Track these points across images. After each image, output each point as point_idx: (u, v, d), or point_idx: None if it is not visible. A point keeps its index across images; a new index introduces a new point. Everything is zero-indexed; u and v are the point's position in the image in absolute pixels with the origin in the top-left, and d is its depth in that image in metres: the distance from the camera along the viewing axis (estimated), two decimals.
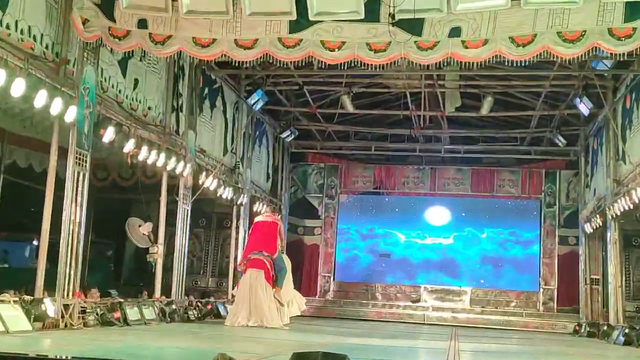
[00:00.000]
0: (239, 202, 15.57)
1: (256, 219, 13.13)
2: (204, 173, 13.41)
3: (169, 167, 11.77)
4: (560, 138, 17.76)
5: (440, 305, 18.82)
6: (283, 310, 12.46)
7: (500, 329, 17.27)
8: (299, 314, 13.24)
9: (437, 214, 20.56)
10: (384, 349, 9.23)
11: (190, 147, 12.63)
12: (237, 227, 15.91)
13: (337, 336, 11.13)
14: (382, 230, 20.71)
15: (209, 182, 13.57)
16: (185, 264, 12.73)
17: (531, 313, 18.62)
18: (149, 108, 11.42)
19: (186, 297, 13.07)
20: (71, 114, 8.90)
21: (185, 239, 12.71)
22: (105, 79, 10.03)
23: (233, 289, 14.89)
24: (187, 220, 12.72)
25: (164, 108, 11.91)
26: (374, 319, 18.09)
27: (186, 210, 12.65)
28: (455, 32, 8.45)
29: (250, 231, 13.36)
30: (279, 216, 15.41)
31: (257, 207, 16.63)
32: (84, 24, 9.00)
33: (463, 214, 20.46)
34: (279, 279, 12.46)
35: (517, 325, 17.71)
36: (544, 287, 19.49)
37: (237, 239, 15.85)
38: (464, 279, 19.89)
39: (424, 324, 17.92)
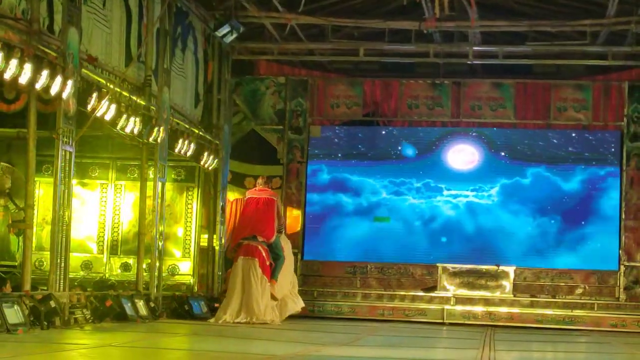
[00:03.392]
0: (151, 139, 15.45)
1: (248, 194, 16.46)
2: (95, 94, 13.25)
3: (39, 85, 11.61)
4: None
5: (468, 295, 19.03)
6: (276, 305, 15.58)
7: (560, 329, 17.54)
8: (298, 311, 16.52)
9: (463, 155, 20.62)
10: None
11: (72, 53, 12.46)
12: (153, 179, 15.84)
13: (309, 345, 11.22)
14: (377, 181, 20.76)
15: (104, 109, 13.42)
16: (69, 238, 12.66)
17: (607, 304, 18.88)
18: None
19: (75, 290, 13.09)
20: None
21: (69, 199, 12.62)
22: None
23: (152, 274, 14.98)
24: (70, 170, 12.61)
25: None
26: (366, 318, 18.27)
27: (69, 154, 12.54)
28: None
29: (241, 209, 16.46)
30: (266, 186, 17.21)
31: (180, 146, 16.54)
32: None
33: (502, 154, 20.54)
34: (275, 270, 15.69)
35: (586, 322, 17.99)
36: (626, 264, 19.75)
37: (153, 196, 15.78)
38: (504, 254, 20.09)
39: (442, 323, 18.15)
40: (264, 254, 15.42)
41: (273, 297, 15.50)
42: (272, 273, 15.58)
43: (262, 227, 15.70)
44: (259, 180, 16.74)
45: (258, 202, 15.97)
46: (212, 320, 15.11)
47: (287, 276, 16.36)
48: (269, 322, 14.99)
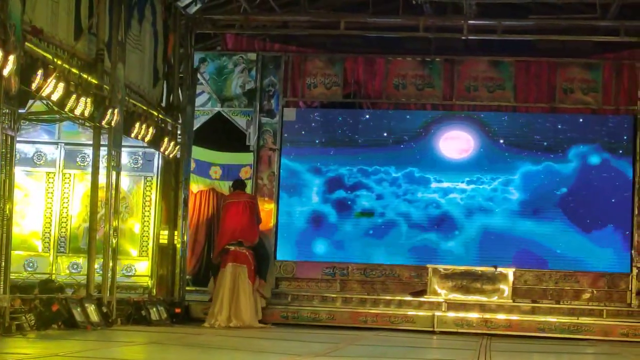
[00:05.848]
0: (104, 122, 15.41)
1: (227, 200, 18.68)
2: (40, 71, 13.22)
3: None
4: None
5: (461, 300, 19.08)
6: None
7: (565, 338, 17.58)
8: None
9: (456, 142, 20.67)
10: None
11: (14, 23, 12.41)
12: (106, 167, 15.81)
13: (281, 355, 11.23)
14: (360, 171, 20.77)
15: (50, 88, 13.40)
16: (10, 234, 12.61)
17: (617, 310, 18.93)
18: None
19: (16, 294, 13.05)
20: None
21: (11, 190, 12.58)
22: None
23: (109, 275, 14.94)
24: (12, 157, 12.58)
25: None
26: (347, 325, 18.25)
27: (10, 139, 12.51)
28: None
29: (222, 214, 18.67)
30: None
31: (137, 130, 16.50)
32: None
33: (501, 141, 20.59)
34: (262, 270, 17.93)
35: (594, 331, 17.97)
36: (639, 265, 19.82)
37: (106, 187, 15.75)
38: (503, 255, 20.14)
39: (433, 331, 18.18)
40: (251, 259, 17.58)
41: (263, 297, 17.91)
42: (259, 273, 17.78)
43: (246, 231, 17.85)
44: (230, 189, 19.33)
45: (238, 206, 18.14)
46: (206, 324, 16.86)
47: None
48: (262, 326, 17.23)
